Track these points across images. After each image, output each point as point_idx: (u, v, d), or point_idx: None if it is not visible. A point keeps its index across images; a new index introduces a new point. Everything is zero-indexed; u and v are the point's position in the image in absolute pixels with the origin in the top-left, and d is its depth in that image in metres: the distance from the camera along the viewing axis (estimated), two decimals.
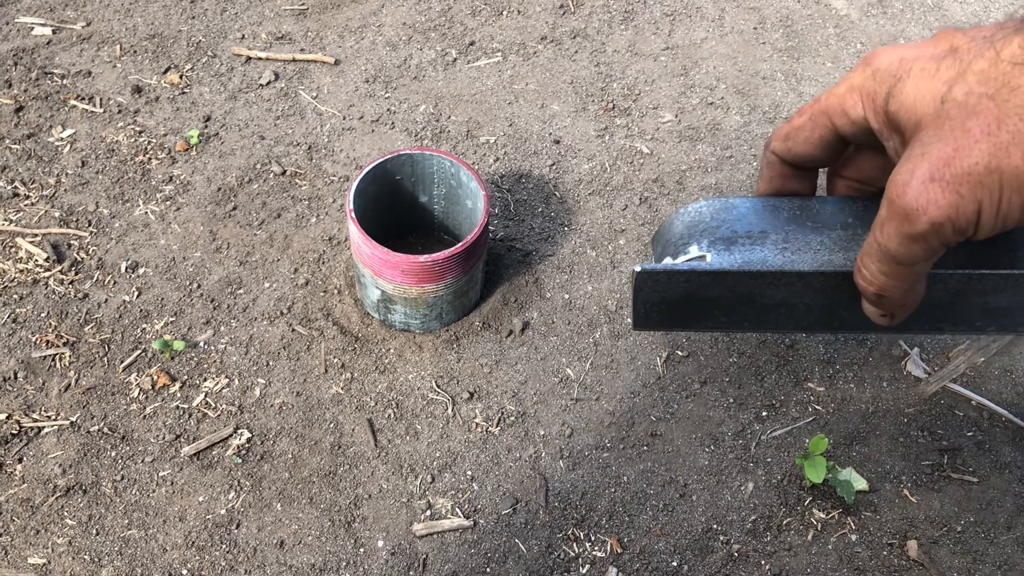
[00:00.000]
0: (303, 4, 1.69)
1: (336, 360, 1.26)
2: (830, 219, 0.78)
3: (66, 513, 1.13)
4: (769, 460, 1.20)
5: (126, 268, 1.33)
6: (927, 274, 0.62)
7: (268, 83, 1.57)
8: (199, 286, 1.32)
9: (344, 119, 1.53)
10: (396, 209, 1.33)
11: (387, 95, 1.56)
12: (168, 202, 1.41)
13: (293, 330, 1.29)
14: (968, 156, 0.55)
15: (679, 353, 1.28)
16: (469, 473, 1.18)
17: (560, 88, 1.58)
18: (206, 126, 1.51)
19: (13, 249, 1.34)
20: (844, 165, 0.79)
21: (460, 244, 1.16)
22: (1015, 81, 0.55)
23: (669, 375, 1.26)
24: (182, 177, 1.44)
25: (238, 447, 1.19)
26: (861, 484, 1.16)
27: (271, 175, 1.45)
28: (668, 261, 0.73)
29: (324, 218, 1.40)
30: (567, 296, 1.33)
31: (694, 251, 0.72)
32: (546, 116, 1.54)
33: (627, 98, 1.56)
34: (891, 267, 0.60)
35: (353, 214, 1.19)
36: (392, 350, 1.27)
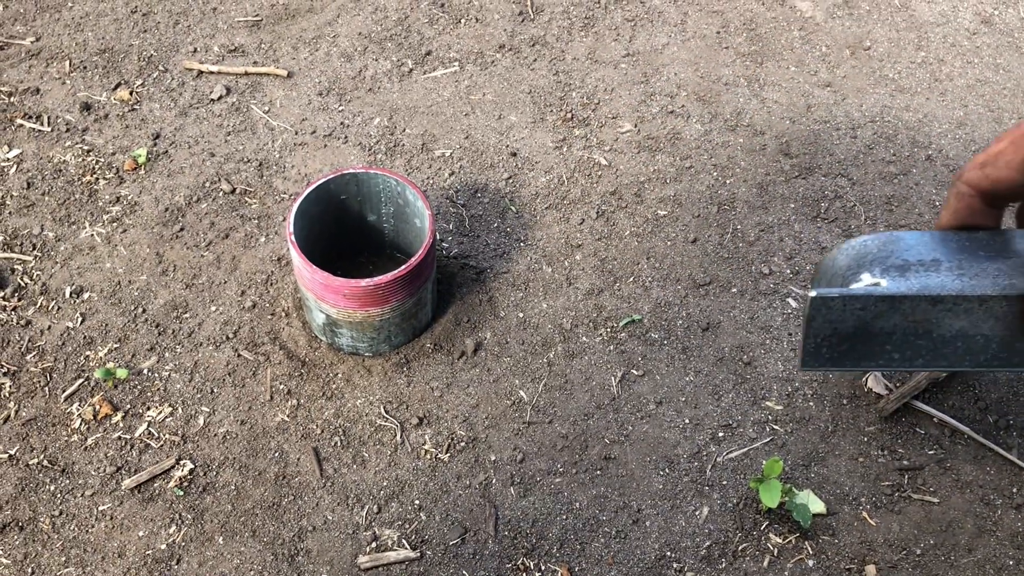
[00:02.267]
0: (257, 15, 1.66)
1: (282, 386, 1.23)
2: (1003, 247, 0.72)
3: (0, 551, 1.10)
4: (725, 483, 1.17)
5: (70, 293, 1.30)
6: None
7: (219, 98, 1.53)
8: (144, 311, 1.29)
9: (296, 134, 1.49)
10: (344, 228, 1.30)
11: (341, 108, 1.53)
12: (115, 224, 1.38)
13: (239, 355, 1.26)
14: None
15: (634, 372, 1.25)
16: (417, 502, 1.15)
17: (518, 98, 1.55)
18: (155, 144, 1.47)
19: None
20: None
21: (403, 267, 1.13)
22: None
23: (624, 395, 1.23)
24: (129, 197, 1.41)
25: (180, 479, 1.16)
26: (819, 507, 1.13)
27: (220, 193, 1.42)
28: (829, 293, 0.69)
29: (273, 238, 1.37)
30: (521, 315, 1.30)
31: (867, 279, 0.68)
32: (503, 127, 1.51)
33: (586, 107, 1.53)
34: None
35: (293, 237, 1.16)
36: (340, 375, 1.24)
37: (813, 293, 0.66)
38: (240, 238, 1.37)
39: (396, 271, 1.13)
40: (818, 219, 1.40)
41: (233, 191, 1.42)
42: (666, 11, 1.68)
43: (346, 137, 1.49)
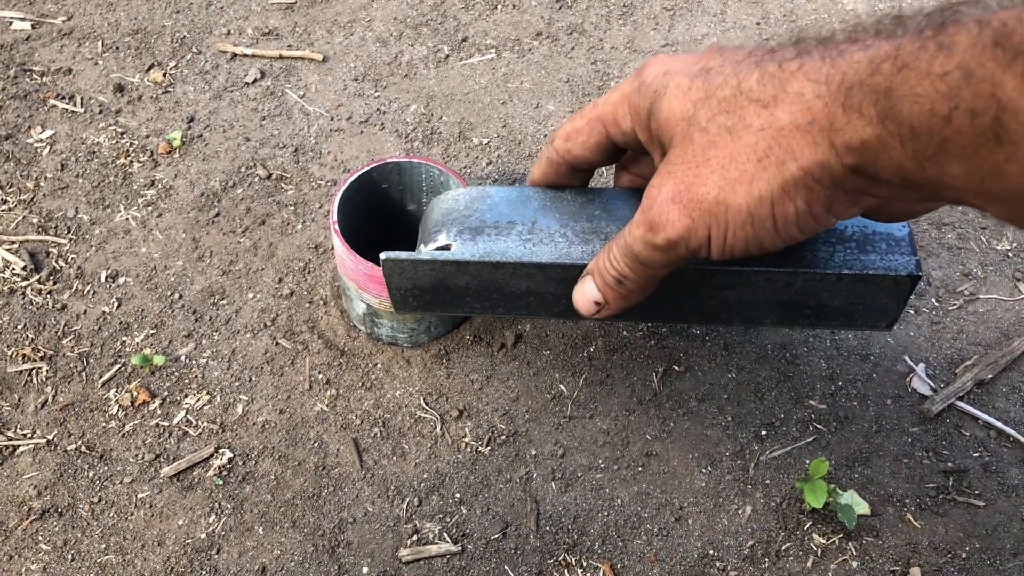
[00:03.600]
0: None
1: (321, 376, 1.22)
2: (579, 211, 0.79)
3: (40, 537, 1.10)
4: (768, 482, 1.16)
5: (106, 277, 1.29)
6: (663, 276, 0.68)
7: (254, 81, 1.52)
8: (180, 296, 1.28)
9: (332, 119, 1.48)
10: (384, 218, 1.29)
11: (376, 94, 1.51)
12: (150, 208, 1.37)
13: (277, 344, 1.24)
14: (703, 185, 0.59)
15: (676, 368, 1.24)
16: (458, 496, 1.14)
17: (556, 87, 1.53)
18: (189, 127, 1.46)
19: None
20: (629, 161, 0.85)
21: None
22: (748, 119, 0.57)
23: (665, 391, 1.22)
24: (164, 181, 1.39)
25: (219, 468, 1.15)
26: (863, 508, 1.12)
27: (256, 179, 1.40)
28: (421, 248, 0.76)
29: (310, 224, 1.36)
30: None
31: (442, 239, 0.75)
32: (541, 116, 1.49)
33: None
34: (633, 263, 0.67)
35: (336, 227, 1.15)
36: (379, 365, 1.23)
37: (383, 256, 0.76)
38: (277, 224, 1.35)
39: None
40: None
41: (269, 176, 1.40)
42: (705, 1, 1.66)
43: (382, 124, 1.47)
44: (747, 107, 0.57)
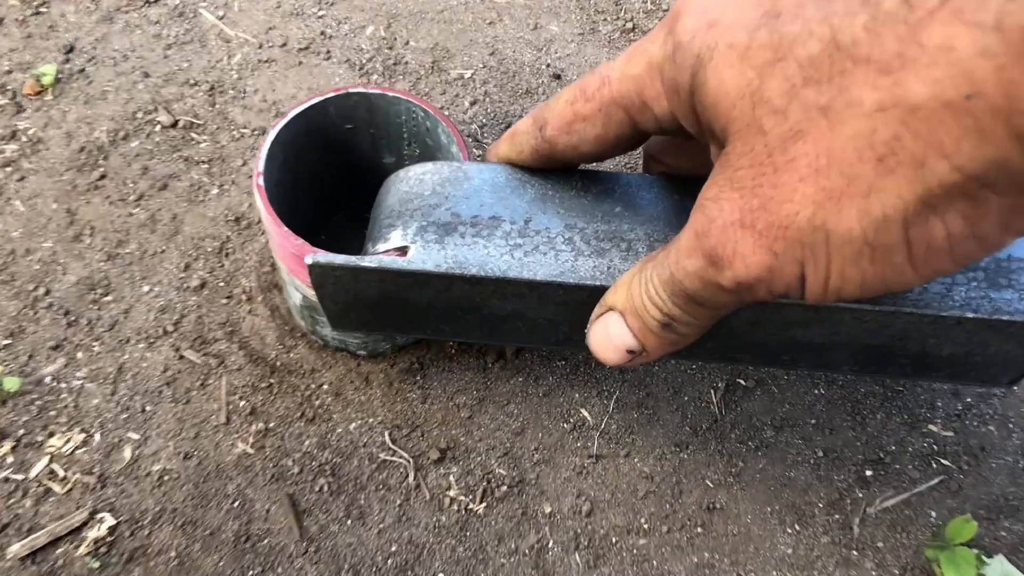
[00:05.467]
0: None
1: (244, 403, 0.86)
2: (592, 205, 0.52)
3: None
4: (880, 545, 0.82)
5: None
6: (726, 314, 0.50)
7: None
8: (47, 292, 0.91)
9: (261, 47, 1.10)
10: (348, 173, 0.93)
11: (320, 12, 1.13)
12: (9, 168, 0.99)
13: (181, 357, 0.88)
14: (787, 200, 0.40)
15: (742, 383, 0.89)
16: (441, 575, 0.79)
17: (559, 1, 1.16)
18: (68, 60, 1.08)
19: None
20: (660, 147, 0.63)
21: None
22: (855, 92, 0.37)
23: (730, 417, 0.87)
24: (30, 132, 1.02)
25: (96, 541, 0.79)
26: None
27: (157, 127, 1.03)
28: (368, 248, 0.58)
29: (230, 189, 0.99)
30: None
31: (396, 238, 0.50)
32: (541, 40, 1.12)
33: (651, 14, 1.15)
34: (686, 304, 0.48)
35: (261, 180, 0.78)
36: (326, 385, 0.87)
37: (309, 260, 0.55)
38: (184, 189, 0.99)
39: None
40: None
41: (174, 124, 1.03)
42: None
43: (328, 52, 1.10)
44: (851, 73, 0.37)
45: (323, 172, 0.91)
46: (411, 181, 0.58)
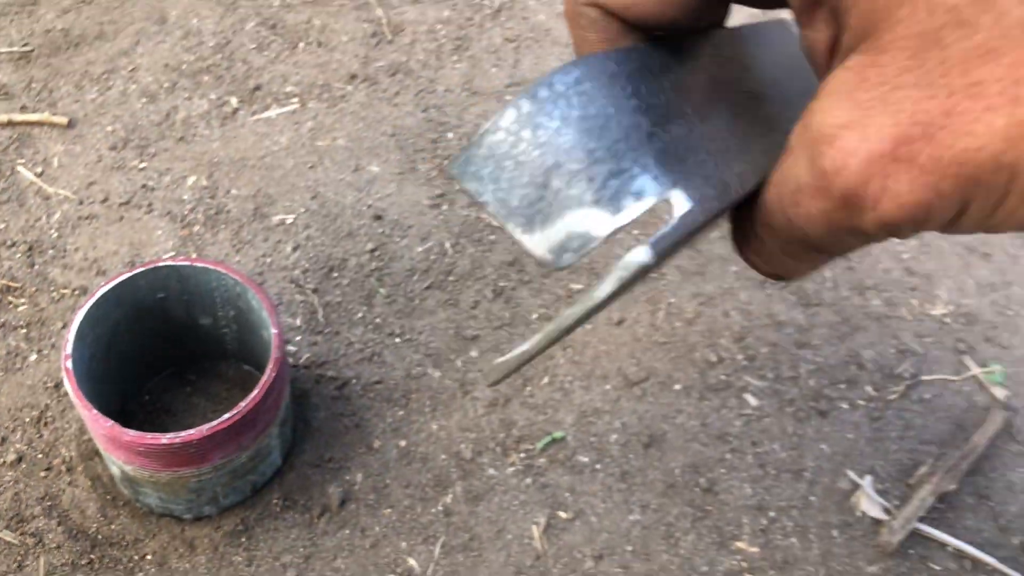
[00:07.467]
0: (26, 44, 1.26)
1: None
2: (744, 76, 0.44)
3: None
4: None
5: None
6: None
7: None
8: None
9: (81, 203, 1.11)
10: (169, 334, 0.94)
11: (142, 165, 1.15)
12: None
13: None
14: (967, 134, 0.32)
15: (561, 515, 0.93)
16: None
17: (379, 142, 1.21)
18: None
19: None
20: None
21: (229, 415, 0.78)
22: None
23: (551, 550, 0.91)
24: None
25: None
26: None
27: None
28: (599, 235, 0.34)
29: (49, 353, 0.98)
30: (403, 443, 0.96)
31: (650, 197, 0.36)
32: (362, 182, 1.16)
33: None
34: (802, 252, 0.40)
35: (69, 363, 0.79)
36: (150, 555, 0.87)
37: (644, 259, 0.37)
38: (0, 357, 0.98)
39: (217, 421, 0.77)
40: (766, 283, 1.13)
41: None
42: (553, 28, 1.37)
43: (150, 204, 1.11)
44: None
45: (140, 337, 0.92)
46: (550, 133, 0.38)
